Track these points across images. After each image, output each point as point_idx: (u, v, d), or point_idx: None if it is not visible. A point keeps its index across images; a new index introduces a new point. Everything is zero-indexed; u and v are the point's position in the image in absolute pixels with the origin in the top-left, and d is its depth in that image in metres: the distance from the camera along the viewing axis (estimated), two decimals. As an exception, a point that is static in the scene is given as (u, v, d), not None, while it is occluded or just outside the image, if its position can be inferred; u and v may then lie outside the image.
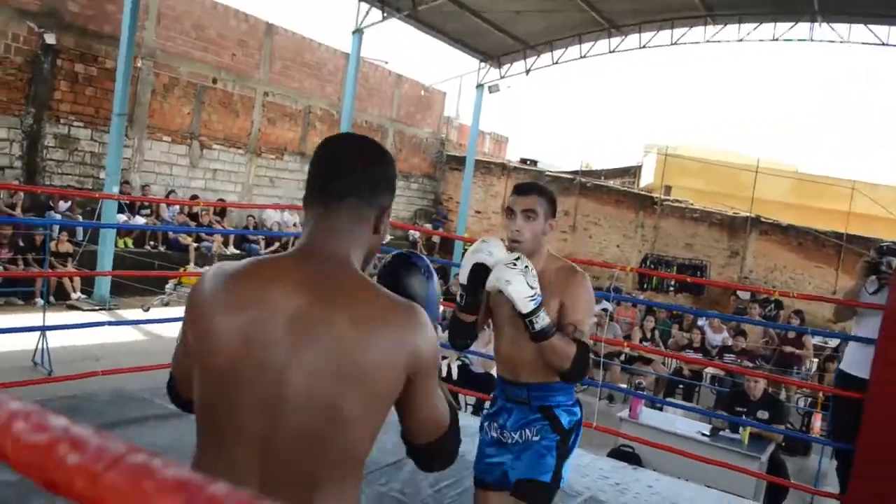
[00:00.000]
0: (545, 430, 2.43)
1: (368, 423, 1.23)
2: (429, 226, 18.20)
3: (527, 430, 2.45)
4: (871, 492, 3.67)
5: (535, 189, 2.42)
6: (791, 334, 10.23)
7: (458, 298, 2.41)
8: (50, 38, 10.73)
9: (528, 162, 20.39)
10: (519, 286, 2.15)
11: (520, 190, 2.43)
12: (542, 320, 2.18)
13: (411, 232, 17.46)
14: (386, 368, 1.20)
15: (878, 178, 20.52)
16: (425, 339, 1.26)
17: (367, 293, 1.24)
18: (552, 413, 2.46)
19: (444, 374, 6.23)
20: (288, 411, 1.16)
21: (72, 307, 8.80)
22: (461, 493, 3.45)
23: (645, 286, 16.36)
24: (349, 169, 1.30)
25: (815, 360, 10.64)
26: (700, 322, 11.11)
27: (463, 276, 2.35)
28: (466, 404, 6.45)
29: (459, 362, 6.41)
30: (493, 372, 6.65)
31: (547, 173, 18.97)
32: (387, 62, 18.81)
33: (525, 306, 2.16)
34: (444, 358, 6.45)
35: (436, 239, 18.11)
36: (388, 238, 17.24)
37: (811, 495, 5.64)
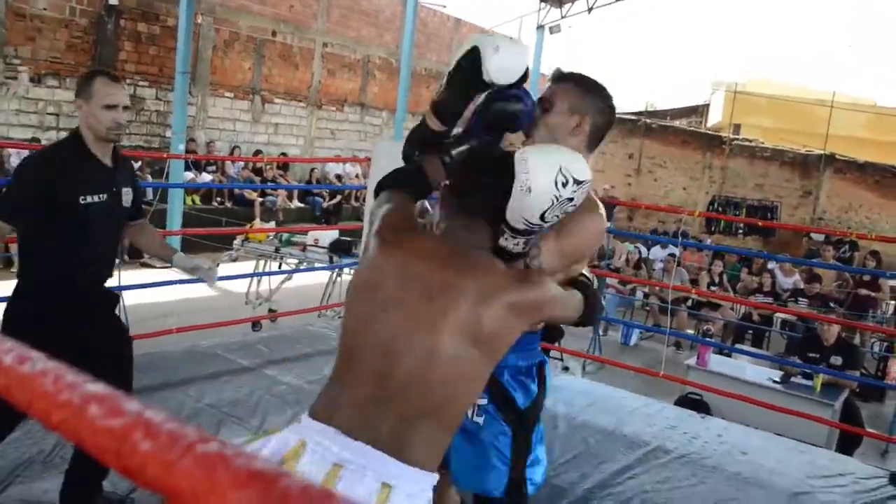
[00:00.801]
0: (491, 416, 1.74)
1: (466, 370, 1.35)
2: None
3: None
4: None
5: (563, 77, 1.79)
6: (867, 277, 9.91)
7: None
8: (113, -1, 10.91)
9: (591, 105, 19.96)
10: None
11: (553, 77, 1.81)
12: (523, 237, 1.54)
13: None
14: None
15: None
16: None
17: None
18: (500, 388, 1.75)
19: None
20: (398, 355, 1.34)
21: (145, 265, 9.08)
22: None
23: (713, 229, 16.00)
24: None
25: (893, 302, 10.31)
26: (770, 265, 10.83)
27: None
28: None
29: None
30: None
31: (610, 116, 18.57)
32: (444, 6, 18.55)
33: None
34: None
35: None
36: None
37: (886, 443, 5.52)
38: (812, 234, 14.62)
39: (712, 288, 9.55)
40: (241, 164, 12.43)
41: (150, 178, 10.88)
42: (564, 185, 1.46)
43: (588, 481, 3.21)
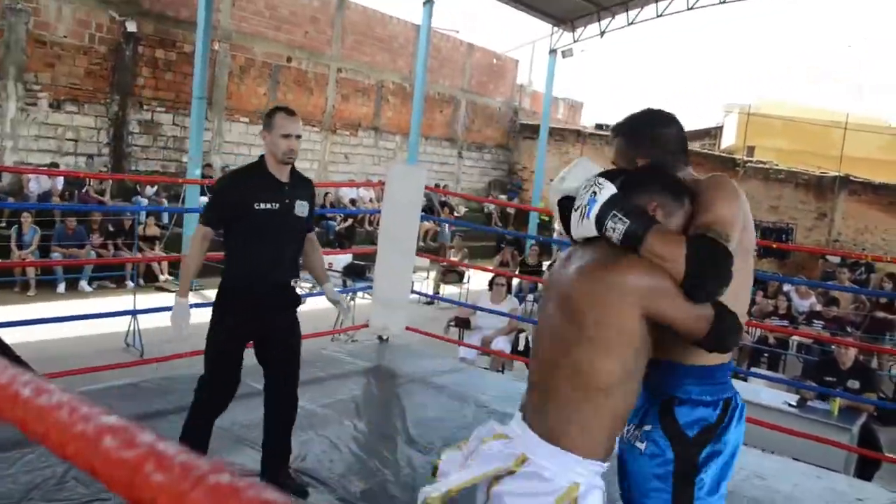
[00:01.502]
0: (655, 439, 1.74)
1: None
2: (503, 197, 18.13)
3: (636, 431, 1.79)
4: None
5: (614, 129, 1.92)
6: (883, 299, 9.82)
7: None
8: (131, 26, 11.08)
9: (604, 127, 20.01)
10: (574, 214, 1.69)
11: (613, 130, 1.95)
12: (617, 226, 1.56)
13: (486, 204, 17.44)
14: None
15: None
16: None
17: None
18: (669, 410, 1.74)
19: (521, 346, 6.23)
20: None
21: (160, 289, 9.15)
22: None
23: (727, 252, 15.90)
24: None
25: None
26: (786, 288, 10.76)
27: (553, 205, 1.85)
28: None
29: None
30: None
31: (623, 139, 18.58)
32: (458, 31, 18.73)
33: (587, 227, 1.63)
34: (521, 331, 6.45)
35: (511, 210, 18.03)
36: (462, 210, 17.28)
37: (906, 467, 5.43)
38: (828, 257, 14.52)
39: (727, 311, 9.49)
40: (256, 188, 12.50)
41: (166, 203, 10.97)
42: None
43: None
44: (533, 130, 18.86)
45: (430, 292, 10.41)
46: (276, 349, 2.96)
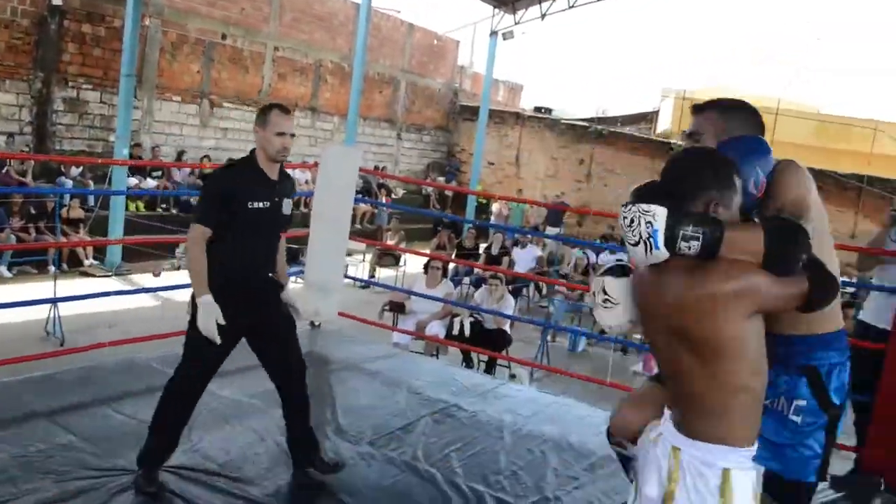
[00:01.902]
0: (812, 410, 1.90)
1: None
2: (442, 179, 18.08)
3: (781, 400, 1.92)
4: (889, 445, 3.62)
5: (707, 106, 1.98)
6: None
7: None
8: (56, -1, 10.63)
9: (543, 110, 20.12)
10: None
11: (692, 109, 2.02)
12: (691, 243, 1.60)
13: (424, 186, 17.39)
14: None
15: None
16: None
17: None
18: (817, 376, 1.91)
19: (455, 331, 6.21)
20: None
21: (84, 274, 8.85)
22: (472, 456, 3.45)
23: (662, 235, 16.20)
24: None
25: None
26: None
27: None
28: (479, 361, 6.46)
29: (472, 319, 6.39)
30: (507, 328, 6.65)
31: (562, 121, 18.72)
32: (399, 11, 18.53)
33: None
34: (455, 315, 6.43)
35: (449, 193, 18.00)
36: (400, 193, 17.19)
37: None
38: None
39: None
40: (188, 169, 12.20)
41: (91, 185, 10.62)
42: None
43: (533, 493, 3.19)
44: (473, 112, 18.82)
45: (366, 276, 10.33)
46: (277, 341, 2.98)
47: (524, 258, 11.04)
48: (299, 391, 3.01)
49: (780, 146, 16.08)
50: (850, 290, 10.73)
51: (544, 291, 10.89)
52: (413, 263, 10.42)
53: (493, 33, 16.65)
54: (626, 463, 2.12)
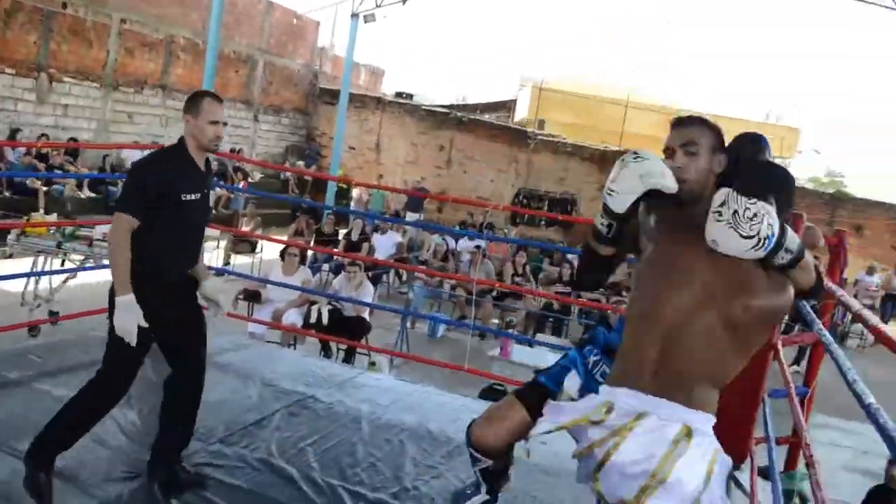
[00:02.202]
0: None
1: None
2: (301, 163, 17.72)
3: None
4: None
5: (697, 120, 1.96)
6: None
7: (600, 226, 1.93)
8: None
9: (404, 95, 20.10)
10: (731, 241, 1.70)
11: (677, 122, 1.98)
12: (786, 256, 1.70)
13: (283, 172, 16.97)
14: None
15: (741, 112, 21.62)
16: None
17: None
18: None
19: (313, 319, 6.09)
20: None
21: None
22: (328, 449, 3.38)
23: (517, 221, 16.65)
24: None
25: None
26: (570, 255, 11.39)
27: (622, 202, 1.82)
28: (338, 350, 6.37)
29: (330, 307, 6.28)
30: (366, 316, 6.59)
31: (423, 107, 18.78)
32: (257, -12, 17.90)
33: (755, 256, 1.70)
34: (313, 303, 6.31)
35: (308, 178, 17.67)
36: (258, 177, 16.70)
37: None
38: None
39: (516, 279, 9.90)
40: (23, 149, 11.31)
41: None
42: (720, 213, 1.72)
43: (392, 483, 3.16)
44: (333, 95, 18.53)
45: (220, 264, 9.97)
46: (199, 335, 2.90)
47: (384, 244, 11.01)
48: (198, 389, 2.91)
49: (630, 137, 16.95)
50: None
51: (404, 277, 10.92)
52: (270, 250, 10.15)
53: (355, 15, 16.45)
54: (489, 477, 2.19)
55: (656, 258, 1.87)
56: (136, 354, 2.70)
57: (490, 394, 5.66)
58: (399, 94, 20.30)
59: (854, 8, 14.43)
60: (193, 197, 2.76)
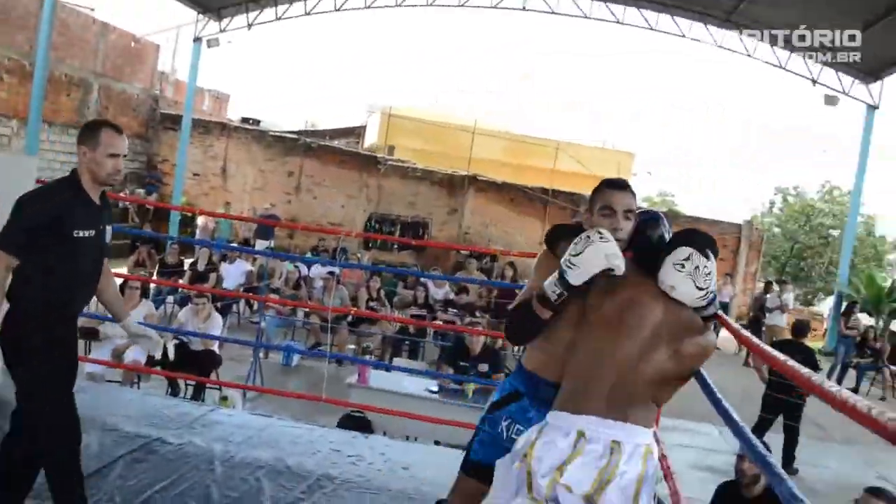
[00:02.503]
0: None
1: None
2: (140, 191, 16.88)
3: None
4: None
5: (628, 185, 2.22)
6: (506, 286, 10.92)
7: (552, 294, 2.06)
8: None
9: (251, 121, 19.64)
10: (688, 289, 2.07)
11: (616, 185, 2.20)
12: (712, 309, 2.13)
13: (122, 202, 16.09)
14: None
15: (579, 138, 22.71)
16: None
17: None
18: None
19: (158, 356, 5.76)
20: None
21: None
22: (178, 495, 3.17)
23: (370, 245, 16.62)
24: None
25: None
26: (423, 279, 11.46)
27: (582, 276, 2.01)
28: (187, 386, 6.05)
29: (177, 341, 5.97)
30: (215, 348, 6.31)
31: (271, 133, 18.41)
32: (93, 9, 16.97)
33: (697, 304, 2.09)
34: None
35: (150, 206, 16.83)
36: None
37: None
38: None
39: (371, 304, 9.82)
40: None
41: None
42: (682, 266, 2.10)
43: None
44: (175, 121, 17.81)
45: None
46: (64, 376, 2.66)
47: (233, 273, 10.63)
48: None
49: (476, 163, 17.38)
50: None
51: (255, 307, 10.59)
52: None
53: (197, 39, 15.95)
54: None
55: (607, 303, 2.09)
56: (70, 391, 2.60)
57: (349, 422, 5.55)
58: (245, 120, 19.81)
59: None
60: (87, 234, 2.60)
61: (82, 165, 2.66)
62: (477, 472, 2.29)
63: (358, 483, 3.63)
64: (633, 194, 2.20)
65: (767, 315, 13.00)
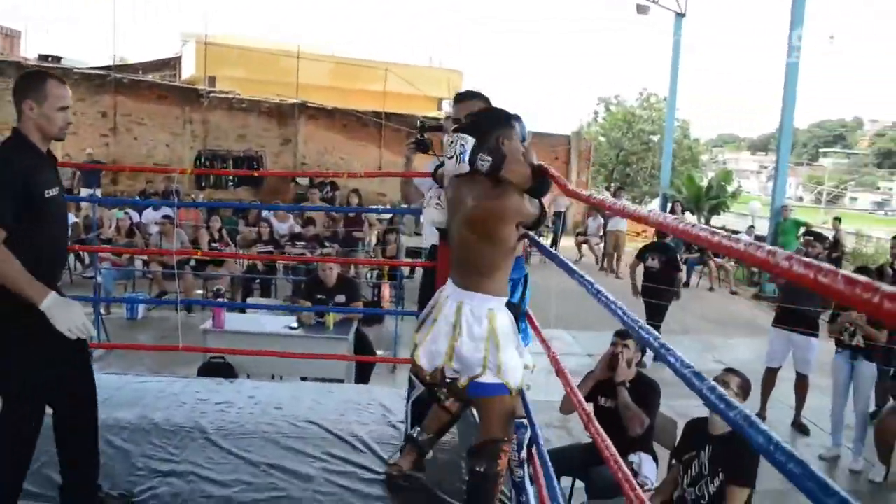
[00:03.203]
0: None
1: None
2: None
3: None
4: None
5: (475, 94, 2.83)
6: (352, 214, 10.77)
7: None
8: None
9: (51, 59, 17.90)
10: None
11: (460, 97, 2.85)
12: (484, 163, 2.41)
13: None
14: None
15: (409, 58, 22.46)
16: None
17: None
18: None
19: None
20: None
21: None
22: (36, 471, 2.91)
23: (203, 184, 15.85)
24: None
25: (375, 234, 11.44)
26: (265, 213, 11.08)
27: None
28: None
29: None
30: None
31: (75, 70, 16.87)
32: None
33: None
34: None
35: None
36: None
37: (393, 364, 6.07)
38: (298, 179, 15.44)
39: (213, 244, 9.41)
40: None
41: None
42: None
43: (128, 487, 2.82)
44: (-41, 64, 15.89)
45: None
46: (77, 370, 2.62)
47: (55, 227, 9.80)
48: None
49: (304, 89, 16.79)
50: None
51: (87, 261, 9.86)
52: None
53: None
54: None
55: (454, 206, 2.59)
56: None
57: (210, 369, 5.33)
58: (44, 58, 18.05)
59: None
60: (54, 192, 2.45)
61: (29, 121, 2.45)
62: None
63: (231, 430, 3.49)
64: (477, 100, 2.81)
65: (609, 221, 13.67)
